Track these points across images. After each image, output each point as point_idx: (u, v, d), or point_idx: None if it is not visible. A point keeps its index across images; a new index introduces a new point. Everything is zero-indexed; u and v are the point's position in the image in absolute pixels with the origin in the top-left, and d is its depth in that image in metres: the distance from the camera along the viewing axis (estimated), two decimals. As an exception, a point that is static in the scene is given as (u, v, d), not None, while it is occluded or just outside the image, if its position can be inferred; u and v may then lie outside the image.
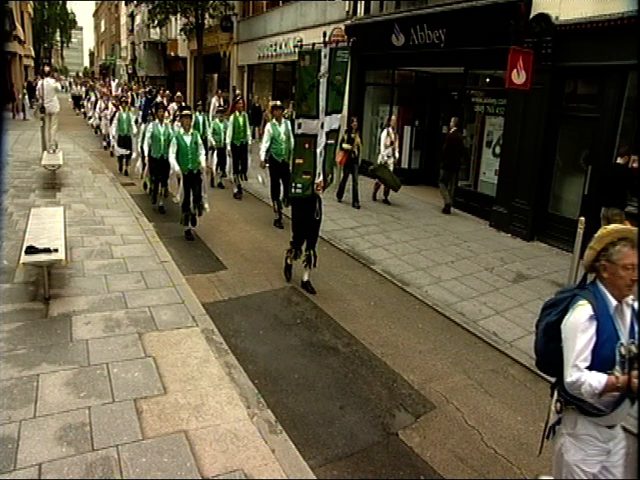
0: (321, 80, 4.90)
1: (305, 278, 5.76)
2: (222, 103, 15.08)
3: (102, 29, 65.23)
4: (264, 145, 7.76)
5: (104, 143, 15.10)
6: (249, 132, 9.95)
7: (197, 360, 4.02)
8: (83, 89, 26.31)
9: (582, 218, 6.01)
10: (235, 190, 10.06)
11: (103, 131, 15.42)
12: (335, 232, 7.73)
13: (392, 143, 9.69)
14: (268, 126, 7.79)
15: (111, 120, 12.95)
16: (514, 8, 7.98)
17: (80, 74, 63.22)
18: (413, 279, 6.21)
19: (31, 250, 4.70)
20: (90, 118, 18.81)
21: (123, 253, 6.22)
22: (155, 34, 32.00)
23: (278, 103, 8.06)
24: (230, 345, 4.35)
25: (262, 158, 7.81)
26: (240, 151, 9.64)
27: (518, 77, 7.74)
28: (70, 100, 27.81)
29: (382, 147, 9.72)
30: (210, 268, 6.25)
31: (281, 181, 7.93)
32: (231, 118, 9.63)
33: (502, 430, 3.66)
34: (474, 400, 3.98)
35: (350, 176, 9.71)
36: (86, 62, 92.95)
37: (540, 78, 7.67)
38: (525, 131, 8.11)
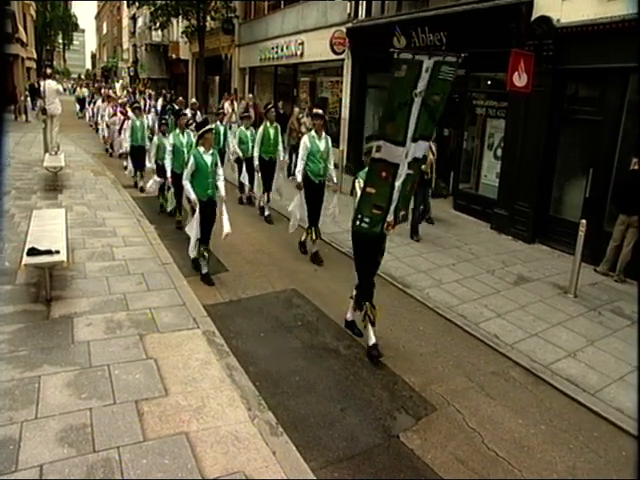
0: (415, 99, 3.82)
1: (372, 340, 4.48)
2: (235, 108, 14.72)
3: (104, 31, 65.39)
4: (300, 163, 6.57)
5: (109, 148, 14.35)
6: (280, 147, 8.68)
7: (198, 362, 4.03)
8: (86, 91, 25.89)
9: (583, 221, 6.03)
10: (259, 206, 9.01)
11: (105, 133, 14.60)
12: (336, 235, 7.73)
13: (433, 155, 8.14)
14: (305, 139, 6.56)
15: (120, 129, 12.11)
16: (515, 10, 7.99)
17: (82, 76, 63.36)
18: (414, 281, 6.21)
19: (33, 252, 4.71)
20: (96, 126, 17.23)
21: (125, 255, 6.23)
22: (157, 36, 32.06)
23: (320, 112, 6.82)
24: (231, 347, 4.35)
25: (298, 179, 6.59)
26: (267, 167, 8.43)
27: (519, 80, 7.75)
28: (76, 105, 27.18)
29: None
30: (211, 270, 6.23)
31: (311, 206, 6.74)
32: (260, 128, 8.45)
33: (503, 432, 3.66)
34: (475, 402, 3.98)
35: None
36: (88, 64, 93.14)
37: (541, 81, 7.67)
38: (526, 134, 8.11)
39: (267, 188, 8.58)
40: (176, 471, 2.92)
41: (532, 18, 7.83)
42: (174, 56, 30.24)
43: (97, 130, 17.10)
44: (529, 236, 8.09)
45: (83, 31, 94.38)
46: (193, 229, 5.76)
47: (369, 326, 4.50)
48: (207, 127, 6.17)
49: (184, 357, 4.08)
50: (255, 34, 19.00)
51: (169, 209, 8.35)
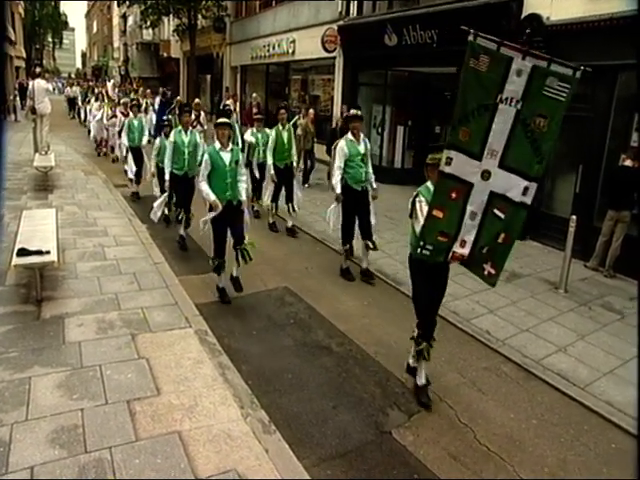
0: (502, 107, 3.07)
1: (422, 380, 3.94)
2: (237, 108, 14.32)
3: (94, 30, 64.88)
4: (338, 171, 5.80)
5: (106, 151, 13.84)
6: (294, 151, 8.08)
7: (190, 361, 4.02)
8: (78, 90, 24.78)
9: (573, 217, 6.09)
10: (270, 220, 8.12)
11: (96, 133, 14.21)
12: (328, 232, 7.73)
13: None
14: (342, 144, 5.78)
15: (120, 132, 11.19)
16: (506, 8, 8.04)
17: (72, 75, 62.87)
18: (406, 278, 6.17)
19: (23, 252, 4.68)
20: (88, 130, 16.21)
21: (116, 255, 6.20)
22: (148, 35, 31.91)
23: (359, 112, 5.91)
24: (224, 346, 4.35)
25: (337, 190, 5.84)
26: (284, 174, 7.79)
27: (510, 77, 7.79)
28: (65, 104, 26.64)
29: None
30: (204, 269, 6.22)
31: (357, 217, 6.04)
32: (273, 132, 7.77)
33: (495, 427, 3.68)
34: (467, 398, 4.00)
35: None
36: (78, 63, 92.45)
37: (532, 78, 7.71)
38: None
39: (289, 199, 7.82)
40: (169, 470, 2.92)
41: (522, 16, 7.88)
42: (165, 55, 30.14)
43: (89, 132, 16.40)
44: (520, 232, 8.14)
45: (73, 30, 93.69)
46: (202, 222, 5.26)
47: (422, 363, 3.93)
48: (222, 120, 5.19)
49: (176, 356, 4.06)
50: (247, 32, 18.95)
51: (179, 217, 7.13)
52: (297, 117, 12.50)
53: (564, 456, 3.44)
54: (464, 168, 3.22)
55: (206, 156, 5.09)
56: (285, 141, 7.74)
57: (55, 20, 53.52)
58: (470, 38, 3.00)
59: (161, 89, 19.13)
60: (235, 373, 3.93)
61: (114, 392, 3.55)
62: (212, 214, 5.08)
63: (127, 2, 24.01)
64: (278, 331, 4.86)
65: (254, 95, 15.52)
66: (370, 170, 5.95)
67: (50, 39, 57.76)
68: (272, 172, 7.66)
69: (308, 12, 14.32)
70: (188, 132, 7.00)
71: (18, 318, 4.46)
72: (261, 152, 8.12)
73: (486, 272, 3.46)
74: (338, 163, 5.80)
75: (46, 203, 8.23)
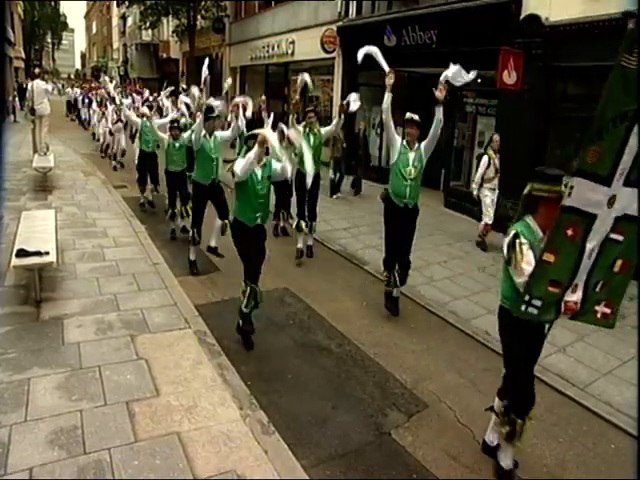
0: None
1: (508, 462, 3.19)
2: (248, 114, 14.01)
3: (94, 31, 64.89)
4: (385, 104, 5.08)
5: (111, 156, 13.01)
6: (324, 155, 6.77)
7: (190, 362, 4.02)
8: (78, 92, 24.37)
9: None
10: (299, 245, 6.78)
11: (103, 139, 13.54)
12: (327, 233, 7.74)
13: (497, 172, 7.37)
14: (399, 140, 5.09)
15: (133, 136, 11.15)
16: (505, 9, 8.05)
17: (72, 76, 62.83)
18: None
19: (22, 253, 4.67)
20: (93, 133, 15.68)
21: (115, 255, 6.19)
22: (147, 36, 31.92)
23: (414, 117, 5.03)
24: (223, 346, 4.34)
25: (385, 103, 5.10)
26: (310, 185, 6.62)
27: (509, 77, 7.81)
28: (66, 105, 26.39)
29: (478, 176, 7.46)
30: (203, 270, 6.23)
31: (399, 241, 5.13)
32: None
33: (494, 428, 3.68)
34: (466, 399, 4.00)
35: None
36: (77, 64, 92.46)
37: (531, 78, 7.73)
38: (516, 131, 8.15)
39: (311, 216, 6.82)
40: (168, 471, 2.92)
41: (521, 16, 7.89)
42: (164, 55, 30.15)
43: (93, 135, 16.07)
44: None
45: (72, 30, 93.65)
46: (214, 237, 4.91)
47: (510, 444, 3.17)
48: (255, 131, 4.42)
49: (175, 357, 4.06)
50: (246, 33, 18.96)
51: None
52: (307, 121, 12.30)
53: (563, 456, 3.45)
54: (587, 197, 2.52)
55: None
56: (312, 146, 6.50)
57: (54, 21, 53.51)
58: (630, 25, 2.30)
59: (169, 88, 17.99)
60: (234, 374, 3.93)
61: (113, 393, 3.54)
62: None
63: (127, 3, 24.02)
64: (277, 332, 4.87)
65: (262, 98, 14.85)
66: (417, 190, 5.04)
67: (49, 40, 57.78)
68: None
69: (307, 13, 14.33)
70: (212, 136, 6.18)
71: (17, 319, 4.46)
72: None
73: (599, 314, 2.82)
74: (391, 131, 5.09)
75: (45, 204, 8.22)
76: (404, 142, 5.04)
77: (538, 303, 2.72)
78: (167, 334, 4.41)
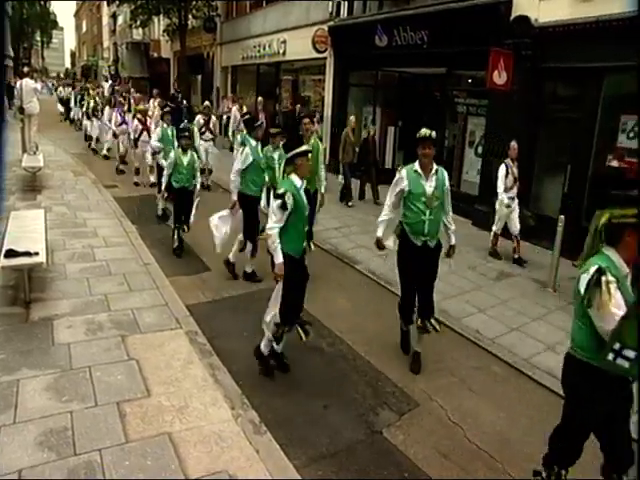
0: None
1: None
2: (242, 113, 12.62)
3: (83, 29, 64.31)
4: (387, 210, 4.26)
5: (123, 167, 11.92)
6: (323, 174, 6.00)
7: (181, 362, 4.01)
8: (72, 92, 23.18)
9: (562, 216, 6.16)
10: None
11: (121, 148, 11.93)
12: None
13: (516, 180, 7.04)
14: (403, 173, 4.16)
15: (136, 140, 10.56)
16: (495, 10, 8.09)
17: (61, 75, 62.27)
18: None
19: (11, 253, 4.63)
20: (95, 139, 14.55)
21: (106, 256, 6.16)
22: (138, 35, 31.69)
23: (431, 133, 4.11)
24: (214, 346, 4.34)
25: (379, 233, 4.31)
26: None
27: (499, 78, 7.86)
28: (59, 106, 25.69)
29: (500, 185, 7.04)
30: (194, 270, 6.22)
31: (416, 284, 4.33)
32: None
33: (485, 426, 3.71)
34: (457, 397, 4.03)
35: None
36: (67, 63, 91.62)
37: (521, 79, 7.79)
38: (506, 131, 8.20)
39: (308, 234, 6.22)
40: (159, 472, 2.91)
41: (511, 17, 7.94)
42: (155, 55, 29.95)
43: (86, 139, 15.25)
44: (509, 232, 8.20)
45: (62, 29, 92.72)
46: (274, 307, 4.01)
47: None
48: (303, 148, 4.06)
49: (166, 357, 4.05)
50: (237, 32, 18.90)
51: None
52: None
53: (552, 453, 3.47)
54: None
55: (291, 198, 3.80)
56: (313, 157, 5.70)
57: (44, 19, 52.96)
58: None
59: (172, 92, 16.71)
60: (226, 374, 3.93)
61: (104, 394, 3.53)
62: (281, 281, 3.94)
63: (117, 1, 23.79)
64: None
65: (259, 99, 14.17)
66: (446, 219, 4.27)
67: (38, 38, 57.16)
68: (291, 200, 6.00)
69: (298, 12, 14.31)
70: (258, 144, 5.88)
71: (6, 320, 4.42)
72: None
73: None
74: (388, 202, 4.24)
75: (34, 204, 8.15)
76: (415, 167, 4.12)
77: (631, 354, 2.31)
78: (158, 334, 4.40)
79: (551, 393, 4.13)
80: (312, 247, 5.95)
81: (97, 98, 15.52)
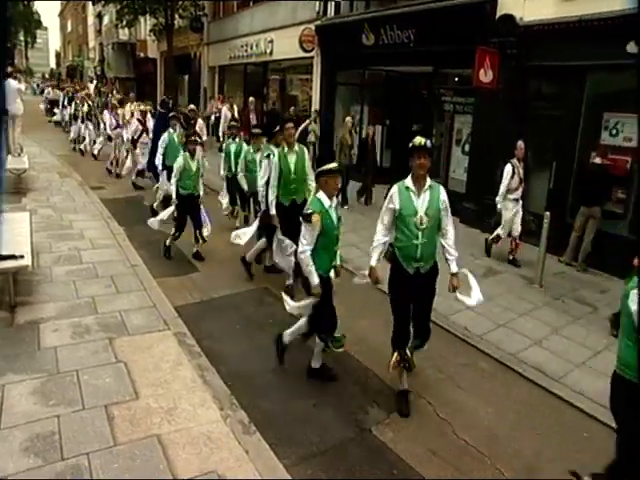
0: None
1: None
2: (236, 114, 12.55)
3: (68, 29, 63.55)
4: (381, 233, 3.77)
5: (111, 168, 11.73)
6: (311, 180, 5.37)
7: (169, 364, 3.99)
8: (60, 94, 22.17)
9: (547, 213, 6.22)
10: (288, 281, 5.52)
11: (94, 149, 12.43)
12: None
13: (522, 181, 6.85)
14: (394, 191, 3.69)
15: (135, 141, 10.34)
16: (481, 8, 8.15)
17: (46, 75, 61.51)
18: (384, 276, 6.27)
19: (-5, 257, 4.57)
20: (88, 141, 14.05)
21: (92, 258, 6.11)
22: (124, 35, 31.41)
23: (425, 142, 3.64)
24: (203, 347, 4.32)
25: (372, 262, 3.82)
26: (290, 215, 5.22)
27: (485, 76, 7.93)
28: (45, 106, 25.06)
29: (503, 187, 6.81)
30: (182, 271, 6.20)
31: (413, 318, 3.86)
32: (275, 155, 5.43)
33: (473, 422, 3.74)
34: (445, 394, 4.06)
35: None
36: (52, 63, 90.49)
37: (506, 77, 7.86)
38: (493, 129, 8.28)
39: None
40: (148, 474, 2.89)
41: (496, 16, 8.01)
42: (142, 55, 29.71)
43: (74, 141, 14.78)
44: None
45: (46, 29, 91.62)
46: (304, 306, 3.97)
47: None
48: (329, 166, 3.83)
49: (155, 359, 4.03)
50: (224, 32, 18.83)
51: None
52: (308, 121, 11.64)
53: (540, 447, 3.52)
54: None
55: (317, 218, 3.67)
56: (292, 169, 5.39)
57: (27, 19, 52.29)
58: None
59: (164, 97, 15.12)
60: (214, 374, 3.92)
61: (91, 397, 3.50)
62: (309, 301, 3.88)
63: (102, 1, 23.58)
64: (257, 331, 4.86)
65: (251, 99, 13.84)
66: (446, 243, 3.79)
67: (22, 38, 56.43)
68: (273, 212, 5.44)
69: (285, 12, 14.29)
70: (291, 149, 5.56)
71: (-9, 324, 4.37)
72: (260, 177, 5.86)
73: None
74: (379, 221, 3.77)
75: (20, 206, 8.04)
76: (406, 182, 3.67)
77: None
78: (146, 336, 4.37)
79: (538, 388, 4.19)
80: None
81: (91, 101, 15.26)
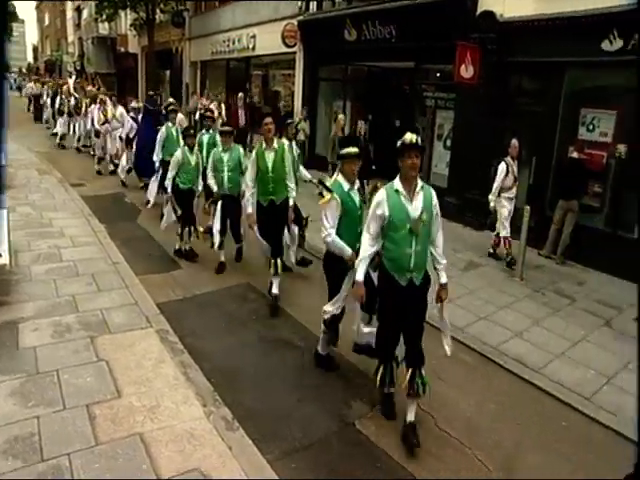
0: None
1: None
2: (223, 111, 12.37)
3: (46, 23, 62.19)
4: (367, 243, 3.40)
5: (104, 166, 11.56)
6: (291, 182, 5.30)
7: (152, 361, 3.96)
8: (44, 88, 21.46)
9: (527, 207, 6.31)
10: (273, 291, 5.30)
11: (97, 152, 11.73)
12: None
13: (516, 180, 6.82)
14: (380, 196, 3.34)
15: (131, 140, 9.99)
16: (461, 5, 8.20)
17: (23, 69, 60.19)
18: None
19: (-29, 256, 4.49)
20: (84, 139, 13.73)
21: (73, 256, 6.02)
22: (104, 29, 30.84)
23: (417, 139, 3.33)
24: (185, 344, 4.31)
25: (359, 276, 3.42)
26: (268, 216, 5.23)
27: (466, 72, 7.99)
28: (27, 101, 24.20)
29: (496, 186, 6.71)
30: (164, 267, 6.15)
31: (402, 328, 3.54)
32: (252, 154, 5.30)
33: (455, 414, 3.79)
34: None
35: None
36: (30, 57, 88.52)
37: (487, 73, 7.93)
38: (474, 124, 8.34)
39: (275, 250, 5.28)
40: (131, 473, 2.88)
41: (477, 12, 8.07)
42: (122, 50, 29.25)
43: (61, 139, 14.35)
44: (478, 223, 8.37)
45: (23, 22, 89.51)
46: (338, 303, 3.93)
47: None
48: (353, 149, 3.84)
49: (137, 357, 4.00)
50: (206, 27, 18.64)
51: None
52: (298, 119, 11.39)
53: (520, 438, 3.58)
54: None
55: (337, 198, 3.72)
56: (269, 167, 5.11)
57: (3, 10, 51.04)
58: None
59: (150, 93, 14.99)
60: (197, 371, 3.91)
61: (72, 397, 3.46)
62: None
63: (80, -6, 23.14)
64: (241, 327, 4.85)
65: (239, 95, 13.50)
66: (435, 251, 3.49)
67: (-2, 32, 55.06)
68: (250, 211, 5.24)
69: (267, 7, 14.19)
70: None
71: (-32, 325, 4.28)
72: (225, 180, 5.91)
73: None
74: (366, 229, 3.42)
75: (-3, 204, 7.89)
76: (395, 185, 3.32)
77: None
78: (128, 334, 4.34)
79: (518, 379, 4.27)
80: (279, 266, 5.23)
81: (77, 94, 14.93)
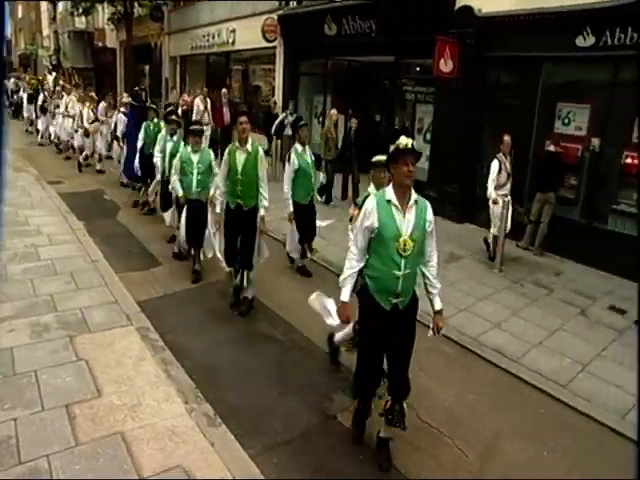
0: None
1: None
2: (209, 106, 11.97)
3: (19, 15, 60.66)
4: (353, 260, 3.06)
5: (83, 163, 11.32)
6: (264, 186, 4.99)
7: (132, 359, 3.94)
8: (19, 82, 21.29)
9: (507, 199, 6.40)
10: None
11: (75, 143, 11.56)
12: (271, 223, 7.72)
13: (509, 176, 6.65)
14: (369, 205, 2.99)
15: (121, 138, 9.84)
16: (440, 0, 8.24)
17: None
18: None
19: (-57, 256, 4.38)
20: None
21: (51, 254, 5.93)
22: (81, 23, 30.16)
23: (413, 144, 2.97)
24: (166, 342, 4.28)
25: (344, 297, 3.11)
26: (239, 221, 4.98)
27: (446, 66, 8.05)
28: (5, 102, 23.86)
29: (491, 182, 6.56)
30: (144, 265, 6.09)
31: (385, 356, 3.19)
32: (225, 154, 5.00)
33: (435, 404, 3.85)
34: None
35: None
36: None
37: (466, 67, 8.00)
38: (453, 118, 8.41)
39: (244, 263, 5.08)
40: (111, 473, 2.86)
41: (455, 7, 8.11)
42: (100, 44, 28.70)
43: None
44: (458, 216, 8.47)
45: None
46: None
47: None
48: (376, 158, 3.81)
49: (117, 355, 3.97)
50: (185, 22, 18.39)
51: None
52: (284, 114, 11.35)
53: (499, 427, 3.65)
54: None
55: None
56: (239, 168, 4.81)
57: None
58: None
59: (135, 88, 14.53)
60: (179, 368, 3.89)
61: (51, 397, 3.42)
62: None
63: (55, -13, 22.61)
64: (222, 323, 4.84)
65: (223, 90, 13.05)
66: (429, 272, 3.19)
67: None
68: (218, 210, 5.10)
69: (247, 2, 14.07)
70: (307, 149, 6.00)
71: (-59, 327, 4.19)
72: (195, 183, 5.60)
73: None
74: (352, 243, 3.09)
75: (-30, 203, 7.71)
76: (387, 194, 2.95)
77: None
78: (107, 332, 4.29)
79: (497, 369, 4.34)
80: (251, 279, 5.11)
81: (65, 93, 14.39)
